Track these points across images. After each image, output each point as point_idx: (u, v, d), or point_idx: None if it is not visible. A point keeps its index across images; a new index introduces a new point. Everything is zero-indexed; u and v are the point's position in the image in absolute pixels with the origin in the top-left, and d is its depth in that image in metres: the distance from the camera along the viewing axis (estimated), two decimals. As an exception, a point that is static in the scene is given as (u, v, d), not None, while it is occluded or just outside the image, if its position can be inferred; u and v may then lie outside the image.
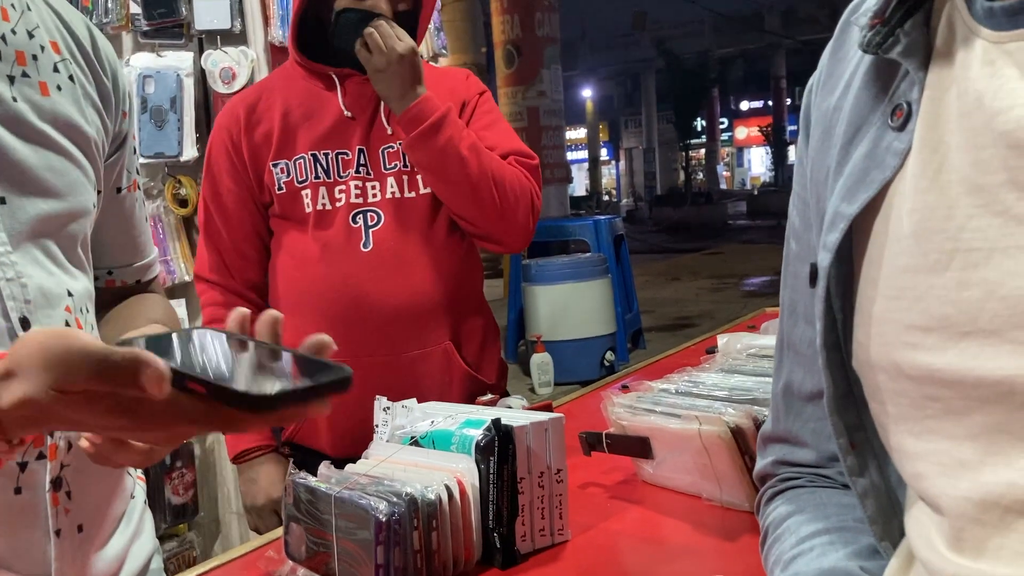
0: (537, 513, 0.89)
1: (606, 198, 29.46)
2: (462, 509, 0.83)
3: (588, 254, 5.60)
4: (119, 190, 0.89)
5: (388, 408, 0.96)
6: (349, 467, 0.89)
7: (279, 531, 0.91)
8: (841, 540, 0.57)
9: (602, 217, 6.05)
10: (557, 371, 4.86)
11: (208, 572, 0.90)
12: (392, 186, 1.44)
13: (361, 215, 1.43)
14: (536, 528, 0.89)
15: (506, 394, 1.53)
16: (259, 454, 1.54)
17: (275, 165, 1.44)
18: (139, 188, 0.94)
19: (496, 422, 0.86)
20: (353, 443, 1.34)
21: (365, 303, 1.41)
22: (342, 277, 1.42)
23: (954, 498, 0.42)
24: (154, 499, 2.47)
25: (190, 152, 2.21)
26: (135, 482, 0.89)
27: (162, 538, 2.44)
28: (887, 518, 0.55)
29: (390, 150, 1.44)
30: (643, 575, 0.82)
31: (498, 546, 0.85)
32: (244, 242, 1.50)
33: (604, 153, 33.93)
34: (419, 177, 1.43)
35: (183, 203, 2.34)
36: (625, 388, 1.68)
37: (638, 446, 1.01)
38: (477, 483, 0.85)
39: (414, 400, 0.97)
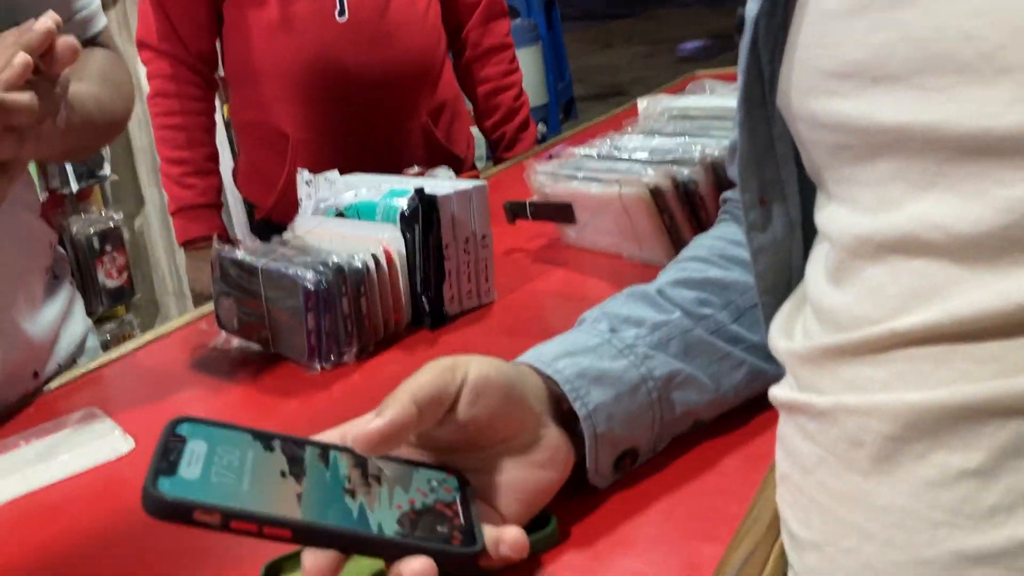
0: (464, 277, 0.91)
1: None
2: (390, 276, 0.85)
3: (517, 20, 5.39)
4: None
5: (310, 181, 0.95)
6: (274, 239, 0.89)
7: (210, 305, 0.92)
8: (686, 269, 0.65)
9: (532, -20, 5.77)
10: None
11: (144, 346, 0.92)
12: None
13: None
14: (463, 291, 0.91)
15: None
16: (208, 245, 1.55)
17: None
18: None
19: (420, 191, 0.86)
20: None
21: (343, 78, 1.34)
22: (316, 50, 1.33)
23: (843, 233, 0.44)
24: (87, 283, 2.47)
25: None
26: (52, 258, 0.88)
27: (101, 320, 2.47)
28: (776, 273, 0.57)
29: None
30: (566, 328, 0.86)
31: (427, 309, 0.88)
32: (198, 5, 1.38)
33: (535, -90, 31.78)
34: None
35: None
36: (551, 157, 1.69)
37: (561, 212, 1.03)
38: (403, 251, 0.86)
39: (336, 171, 0.97)
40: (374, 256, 0.83)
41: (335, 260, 0.80)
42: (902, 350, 0.40)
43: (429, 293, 0.88)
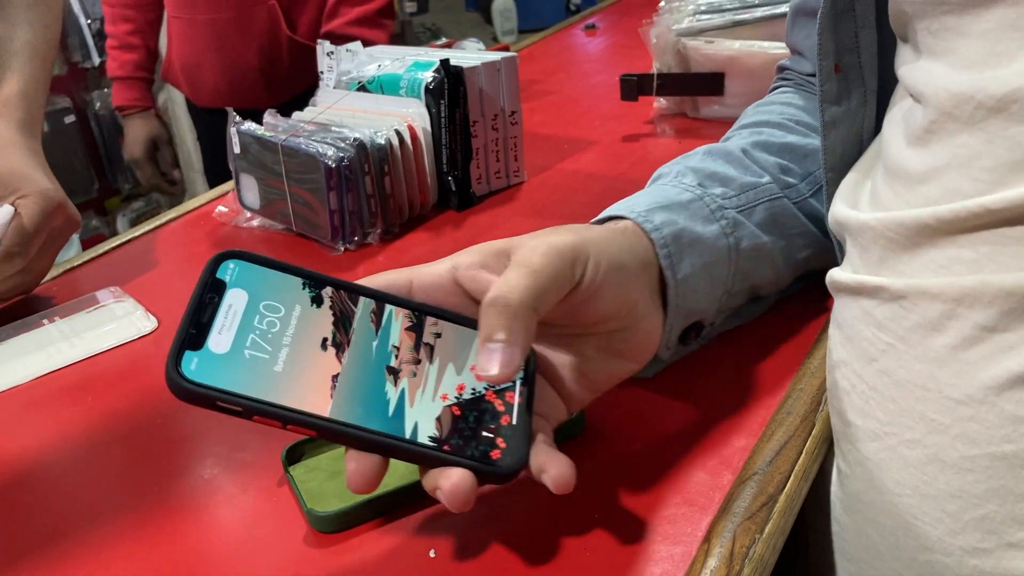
0: (492, 156, 0.88)
1: None
2: (414, 154, 0.81)
3: None
4: None
5: (332, 53, 0.91)
6: (296, 115, 0.86)
7: (233, 183, 0.90)
8: (762, 132, 0.60)
9: None
10: (521, 16, 4.67)
11: (165, 224, 0.90)
12: None
13: None
14: (491, 171, 0.88)
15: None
16: (128, 112, 1.78)
17: None
18: None
19: (445, 63, 0.81)
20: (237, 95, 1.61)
21: None
22: None
23: (937, 92, 0.40)
24: (112, 160, 2.45)
25: None
26: None
27: (128, 198, 2.46)
28: (846, 147, 0.53)
29: None
30: (598, 206, 0.83)
31: (453, 189, 0.85)
32: None
33: None
34: None
35: None
36: (591, 28, 1.62)
37: (706, 83, 0.97)
38: (429, 127, 0.83)
39: (359, 43, 0.92)
40: (398, 132, 0.80)
41: (357, 137, 0.77)
42: (995, 229, 0.36)
43: (456, 172, 0.84)
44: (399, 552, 0.43)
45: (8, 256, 0.70)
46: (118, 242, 0.86)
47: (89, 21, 2.36)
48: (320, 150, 0.75)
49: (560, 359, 0.46)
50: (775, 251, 0.55)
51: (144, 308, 0.71)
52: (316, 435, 0.38)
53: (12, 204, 0.70)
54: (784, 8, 0.95)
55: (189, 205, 0.94)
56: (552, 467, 0.40)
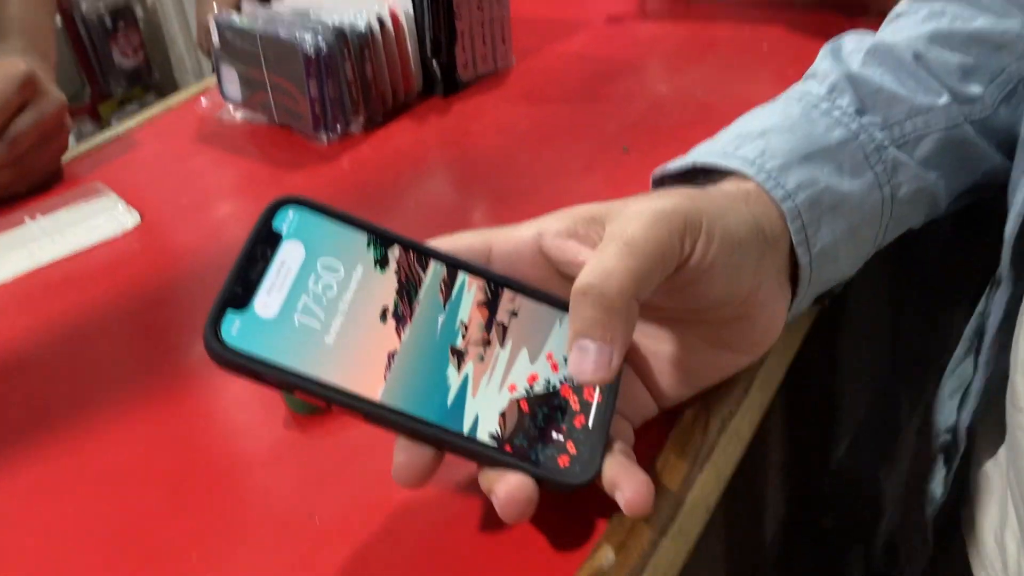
0: (478, 39, 0.85)
1: None
2: (396, 39, 0.79)
3: None
4: None
5: (309, -65, 0.87)
6: (274, 2, 0.83)
7: (213, 79, 0.88)
8: (944, 14, 0.47)
9: None
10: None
11: (147, 121, 0.88)
12: None
13: None
14: (478, 54, 0.85)
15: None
16: None
17: None
18: None
19: (425, -59, 0.78)
20: None
21: None
22: None
23: None
24: (103, 63, 2.41)
25: None
26: None
27: (123, 102, 2.43)
28: None
29: None
30: (587, 89, 0.80)
31: (438, 75, 0.82)
32: None
33: None
34: None
35: None
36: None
37: None
38: (411, 11, 0.80)
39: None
40: (379, 17, 0.77)
41: (335, 22, 0.75)
42: None
43: (440, 57, 0.82)
44: (378, 435, 0.43)
45: None
46: (101, 140, 0.85)
47: (70, -81, 2.29)
48: (298, 36, 0.73)
49: (655, 348, 0.39)
50: (938, 189, 0.44)
51: (126, 203, 0.70)
52: (363, 419, 0.34)
53: None
54: None
55: (171, 101, 0.92)
56: (627, 486, 0.33)
